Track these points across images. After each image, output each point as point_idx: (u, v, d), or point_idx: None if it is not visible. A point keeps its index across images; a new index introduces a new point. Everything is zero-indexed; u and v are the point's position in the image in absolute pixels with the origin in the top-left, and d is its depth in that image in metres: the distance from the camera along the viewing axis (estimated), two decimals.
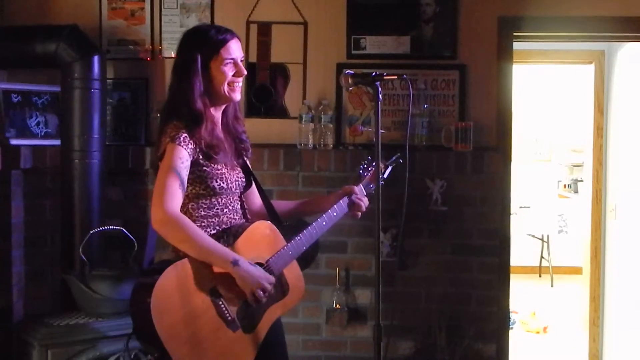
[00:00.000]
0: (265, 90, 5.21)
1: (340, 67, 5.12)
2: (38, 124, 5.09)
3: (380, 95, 3.11)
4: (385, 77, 3.19)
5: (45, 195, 5.13)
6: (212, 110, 3.40)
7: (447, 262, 5.22)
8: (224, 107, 3.49)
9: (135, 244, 4.64)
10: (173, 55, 5.17)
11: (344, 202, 3.57)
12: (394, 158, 3.83)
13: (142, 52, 5.30)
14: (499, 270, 5.21)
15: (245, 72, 3.45)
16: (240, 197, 3.53)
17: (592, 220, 7.11)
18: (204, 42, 3.35)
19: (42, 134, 5.10)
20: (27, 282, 5.10)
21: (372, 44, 5.24)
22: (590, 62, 6.99)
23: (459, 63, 5.25)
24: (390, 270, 4.99)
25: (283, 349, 3.67)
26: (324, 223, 3.49)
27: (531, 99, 11.65)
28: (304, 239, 3.44)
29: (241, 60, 3.42)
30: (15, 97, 5.02)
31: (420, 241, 5.18)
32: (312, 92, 5.24)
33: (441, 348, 5.11)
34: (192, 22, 5.25)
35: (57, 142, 4.96)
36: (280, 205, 3.77)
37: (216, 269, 3.16)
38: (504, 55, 5.21)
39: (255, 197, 3.71)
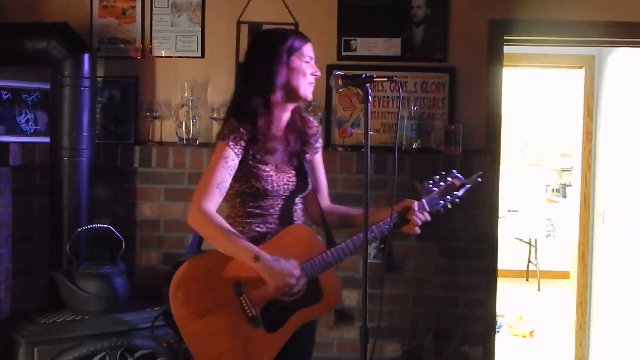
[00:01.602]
0: None
1: (330, 69, 5.11)
2: (27, 121, 5.08)
3: (370, 97, 3.10)
4: (375, 79, 3.18)
5: (33, 192, 5.12)
6: (280, 108, 3.46)
7: (434, 264, 5.22)
8: (292, 106, 3.53)
9: (123, 243, 4.64)
10: (164, 55, 5.20)
11: (397, 216, 3.50)
12: (474, 176, 3.66)
13: (132, 51, 5.30)
14: (486, 273, 5.22)
15: (320, 74, 3.53)
16: (291, 200, 3.54)
17: (580, 225, 7.12)
18: (286, 40, 3.43)
19: (32, 131, 5.10)
20: (14, 279, 5.09)
21: (363, 45, 5.25)
22: (581, 67, 7.01)
23: (449, 66, 5.25)
24: (378, 272, 5.00)
25: (305, 356, 3.70)
26: (372, 235, 3.42)
27: (521, 102, 11.69)
28: (346, 249, 3.41)
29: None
30: (5, 94, 5.01)
31: (407, 243, 5.18)
32: None
33: (428, 350, 5.11)
34: (183, 21, 5.25)
35: (47, 139, 4.95)
36: (341, 210, 3.77)
37: (244, 266, 3.22)
38: (494, 58, 5.22)
39: (321, 200, 3.74)
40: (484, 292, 5.23)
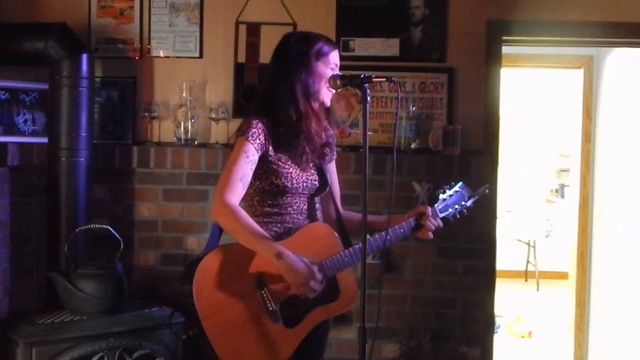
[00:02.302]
0: (254, 91, 5.20)
1: None
2: (25, 121, 5.08)
3: (368, 98, 3.10)
4: (373, 80, 3.17)
5: (31, 193, 5.12)
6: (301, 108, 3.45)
7: (432, 265, 5.22)
8: (317, 106, 3.52)
9: (122, 243, 4.63)
10: (162, 55, 5.20)
11: (413, 221, 3.52)
12: (481, 189, 3.74)
13: (130, 51, 5.29)
14: (484, 274, 5.22)
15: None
16: (310, 199, 3.55)
17: (579, 225, 7.12)
18: (316, 42, 3.45)
19: (30, 131, 5.10)
20: (12, 279, 5.08)
21: (361, 46, 5.24)
22: (579, 67, 7.01)
23: (447, 66, 5.25)
24: (376, 273, 4.99)
25: (318, 355, 3.71)
26: (388, 237, 3.44)
27: (519, 103, 11.67)
28: (355, 253, 3.43)
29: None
30: (3, 95, 5.01)
31: (406, 244, 5.17)
32: None
33: (426, 351, 5.11)
34: (181, 21, 5.25)
35: (45, 139, 4.95)
36: (354, 217, 3.75)
37: (265, 260, 3.22)
38: (492, 59, 5.22)
39: (332, 204, 3.74)
40: (483, 292, 5.22)
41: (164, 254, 5.25)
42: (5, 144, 4.88)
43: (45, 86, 4.99)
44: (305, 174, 3.48)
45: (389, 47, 5.25)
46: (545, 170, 12.27)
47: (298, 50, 3.43)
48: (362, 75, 3.15)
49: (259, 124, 3.34)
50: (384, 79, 3.31)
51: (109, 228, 4.66)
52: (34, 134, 5.10)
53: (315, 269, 3.23)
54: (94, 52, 5.15)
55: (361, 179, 3.09)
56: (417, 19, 5.23)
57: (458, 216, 3.63)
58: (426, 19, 5.23)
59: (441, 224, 3.58)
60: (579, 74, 7.07)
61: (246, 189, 3.31)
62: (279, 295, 3.28)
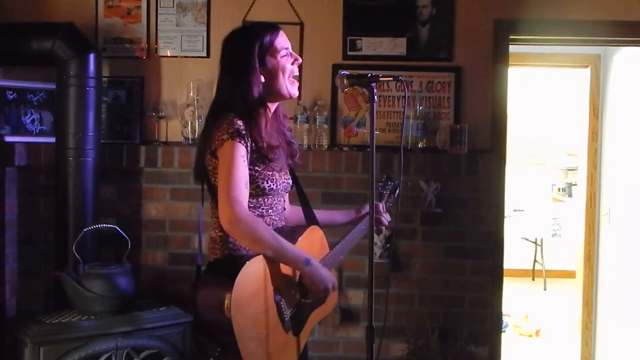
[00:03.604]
0: None
1: (335, 68, 5.12)
2: (33, 121, 5.09)
3: (375, 97, 3.09)
4: (380, 79, 3.15)
5: (39, 192, 5.13)
6: (268, 111, 3.36)
7: (440, 264, 5.22)
8: (276, 105, 3.44)
9: (129, 242, 4.63)
10: (169, 54, 5.20)
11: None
12: (397, 182, 3.85)
13: (138, 51, 5.30)
14: (492, 272, 5.22)
15: (300, 60, 3.43)
16: (281, 198, 3.50)
17: (586, 224, 7.12)
18: (256, 37, 3.29)
19: (37, 131, 5.10)
20: (20, 279, 5.10)
21: (368, 45, 5.24)
22: (586, 66, 7.00)
23: (454, 65, 5.25)
24: (383, 272, 4.99)
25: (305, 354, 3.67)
26: (356, 235, 3.53)
27: (526, 102, 11.68)
28: (342, 249, 3.51)
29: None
30: (11, 94, 5.02)
31: (413, 243, 5.18)
32: (307, 92, 5.22)
33: (434, 350, 5.11)
34: (188, 21, 5.25)
35: (52, 139, 4.95)
36: (317, 214, 3.71)
37: (276, 270, 3.16)
38: (499, 58, 5.21)
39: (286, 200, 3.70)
40: (490, 291, 5.22)
41: (171, 254, 5.26)
42: (12, 144, 4.88)
43: (52, 86, 5.00)
44: (283, 174, 3.43)
45: (396, 46, 5.24)
46: (553, 169, 12.26)
47: (242, 47, 3.30)
48: (369, 75, 3.14)
49: (240, 122, 3.18)
50: (391, 78, 3.30)
51: (117, 228, 4.66)
52: (41, 133, 5.10)
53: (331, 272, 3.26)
54: (101, 51, 5.15)
55: (368, 178, 3.09)
56: (424, 18, 5.23)
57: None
58: (433, 18, 5.23)
59: (389, 218, 3.73)
60: (586, 73, 7.06)
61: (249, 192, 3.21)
62: (290, 304, 3.24)
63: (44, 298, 5.10)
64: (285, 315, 3.20)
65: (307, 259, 3.13)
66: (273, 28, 3.36)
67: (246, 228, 3.06)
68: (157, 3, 5.28)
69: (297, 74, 3.42)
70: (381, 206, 3.68)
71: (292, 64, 3.37)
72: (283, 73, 3.32)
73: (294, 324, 3.27)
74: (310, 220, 3.62)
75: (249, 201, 3.20)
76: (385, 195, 3.80)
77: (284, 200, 3.56)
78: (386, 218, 3.68)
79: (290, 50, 3.39)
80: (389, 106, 5.25)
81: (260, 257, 3.10)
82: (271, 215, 3.39)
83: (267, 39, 3.30)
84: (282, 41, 3.35)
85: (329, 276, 3.21)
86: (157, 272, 5.25)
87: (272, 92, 3.33)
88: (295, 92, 3.41)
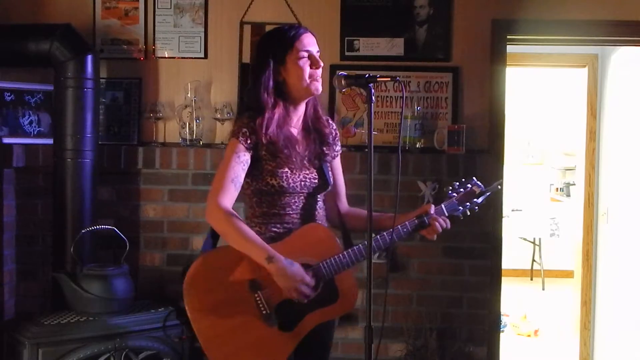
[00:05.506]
0: None
1: (333, 69, 5.10)
2: (31, 122, 5.09)
3: (373, 97, 3.09)
4: (378, 79, 3.16)
5: (37, 194, 5.13)
6: (286, 107, 3.42)
7: (438, 264, 5.22)
8: (303, 105, 3.50)
9: (127, 244, 4.64)
10: (167, 55, 5.20)
11: (416, 220, 3.46)
12: (494, 185, 3.68)
13: (135, 52, 5.30)
14: (490, 273, 5.22)
15: (322, 64, 3.44)
16: (309, 198, 3.50)
17: (584, 224, 7.12)
18: (277, 39, 3.40)
19: (35, 132, 5.10)
20: (18, 280, 5.10)
21: (366, 45, 5.24)
22: (584, 66, 7.00)
23: (452, 65, 5.25)
24: (382, 273, 4.99)
25: (322, 354, 3.68)
26: (389, 238, 3.41)
27: (524, 102, 11.66)
28: (363, 250, 3.39)
29: (317, 53, 3.43)
30: (8, 96, 5.02)
31: (411, 244, 5.17)
32: None
33: (432, 350, 5.10)
34: (186, 22, 5.26)
35: (50, 141, 4.95)
36: (361, 213, 3.68)
37: (258, 264, 3.21)
38: (497, 58, 5.21)
39: (339, 204, 3.72)
40: (489, 291, 5.22)
41: (169, 255, 5.26)
42: (10, 145, 4.89)
43: (50, 87, 5.00)
44: (303, 172, 3.44)
45: (393, 46, 5.25)
46: (551, 169, 12.27)
47: (262, 51, 3.43)
48: (367, 75, 3.14)
49: (250, 123, 3.33)
50: (389, 79, 3.30)
51: (115, 229, 4.67)
52: (39, 135, 5.11)
53: (306, 273, 3.23)
54: (99, 53, 5.15)
55: (366, 178, 3.09)
56: (421, 19, 5.23)
57: (468, 214, 3.59)
58: (431, 18, 5.23)
59: (449, 224, 3.53)
60: (583, 73, 7.06)
61: (239, 190, 3.32)
62: (273, 299, 3.27)
63: (42, 299, 5.10)
64: (263, 309, 3.26)
65: (269, 256, 3.17)
66: (297, 29, 3.43)
67: (215, 220, 3.27)
68: (154, 4, 5.28)
69: (317, 77, 3.42)
70: (433, 209, 3.49)
71: (311, 67, 3.40)
72: (301, 73, 3.36)
73: (282, 320, 3.29)
74: (341, 223, 3.66)
75: (262, 199, 3.42)
76: (454, 197, 3.57)
77: (319, 200, 3.56)
78: (441, 224, 3.49)
79: (314, 53, 3.41)
80: (386, 106, 5.25)
81: (228, 248, 3.28)
82: (290, 214, 3.44)
83: (288, 39, 3.38)
84: (305, 43, 3.39)
85: (298, 274, 3.20)
86: (155, 273, 5.25)
87: (291, 91, 3.41)
88: (318, 89, 3.44)
